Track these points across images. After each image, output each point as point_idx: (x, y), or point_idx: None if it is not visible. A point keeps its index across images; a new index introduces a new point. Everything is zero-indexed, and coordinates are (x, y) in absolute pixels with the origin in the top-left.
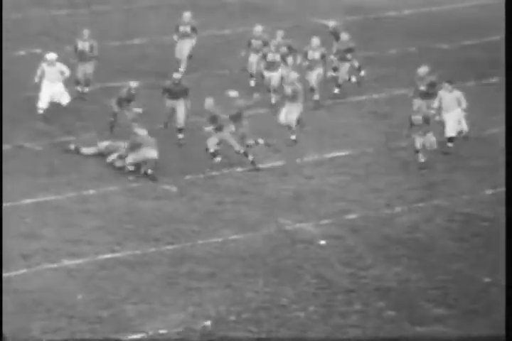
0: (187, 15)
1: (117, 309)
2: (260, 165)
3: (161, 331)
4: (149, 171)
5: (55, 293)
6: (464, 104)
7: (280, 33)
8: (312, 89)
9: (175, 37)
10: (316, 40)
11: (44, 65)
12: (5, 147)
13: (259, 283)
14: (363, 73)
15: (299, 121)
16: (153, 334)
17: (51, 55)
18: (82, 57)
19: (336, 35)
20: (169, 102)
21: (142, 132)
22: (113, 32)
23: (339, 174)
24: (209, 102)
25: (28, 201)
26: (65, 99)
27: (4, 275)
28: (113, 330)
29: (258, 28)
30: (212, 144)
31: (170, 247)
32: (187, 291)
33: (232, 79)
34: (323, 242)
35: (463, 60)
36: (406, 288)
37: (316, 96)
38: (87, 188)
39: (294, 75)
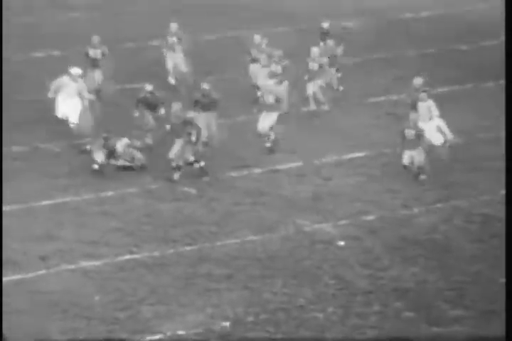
0: (173, 25)
1: (135, 310)
2: (278, 167)
3: (179, 332)
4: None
5: (73, 294)
6: (436, 112)
7: (264, 41)
8: (308, 99)
9: (163, 50)
10: (315, 50)
11: (65, 78)
12: (23, 148)
13: (278, 284)
14: (339, 75)
15: (271, 129)
16: (171, 335)
17: (76, 70)
18: (93, 64)
19: (324, 36)
20: (201, 115)
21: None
22: (129, 34)
23: (357, 175)
24: (176, 107)
25: (45, 202)
26: (74, 118)
27: (22, 276)
28: (130, 331)
29: (257, 37)
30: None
31: (188, 248)
32: (205, 292)
33: (246, 83)
34: (341, 243)
35: (481, 61)
36: (423, 288)
37: (326, 107)
38: (104, 190)
39: (271, 83)
